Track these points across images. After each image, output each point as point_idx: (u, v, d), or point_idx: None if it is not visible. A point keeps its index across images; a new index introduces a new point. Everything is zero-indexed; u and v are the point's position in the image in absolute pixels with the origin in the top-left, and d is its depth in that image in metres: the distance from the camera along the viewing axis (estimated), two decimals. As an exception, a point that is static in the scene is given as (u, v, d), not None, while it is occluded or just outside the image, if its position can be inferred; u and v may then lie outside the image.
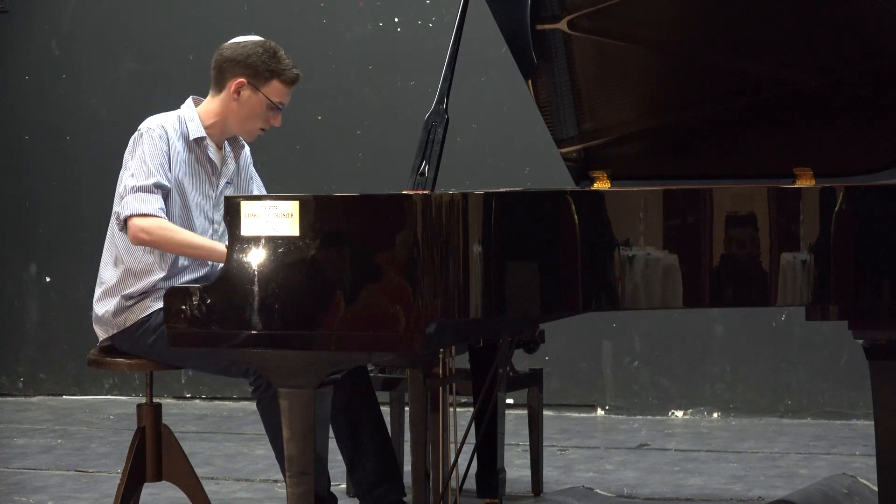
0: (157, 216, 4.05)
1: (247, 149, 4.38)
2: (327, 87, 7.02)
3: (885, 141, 4.20)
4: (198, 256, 4.09)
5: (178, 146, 4.15)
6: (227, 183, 4.28)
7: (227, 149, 4.30)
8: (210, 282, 3.52)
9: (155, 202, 4.06)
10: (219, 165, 4.25)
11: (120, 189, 4.11)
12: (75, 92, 7.36)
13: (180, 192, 4.14)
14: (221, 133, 4.25)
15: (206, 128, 4.21)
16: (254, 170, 4.43)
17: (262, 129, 4.25)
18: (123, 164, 4.16)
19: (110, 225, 4.20)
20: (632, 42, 4.22)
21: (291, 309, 3.43)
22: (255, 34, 4.34)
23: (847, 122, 4.21)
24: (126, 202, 4.07)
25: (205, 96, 4.29)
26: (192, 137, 4.18)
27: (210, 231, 4.22)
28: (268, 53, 4.18)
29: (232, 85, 4.18)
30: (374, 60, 7.00)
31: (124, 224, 4.08)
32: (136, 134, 4.15)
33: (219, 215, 4.22)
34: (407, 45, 6.94)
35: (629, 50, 4.24)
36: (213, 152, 4.23)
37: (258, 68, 4.17)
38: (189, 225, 4.14)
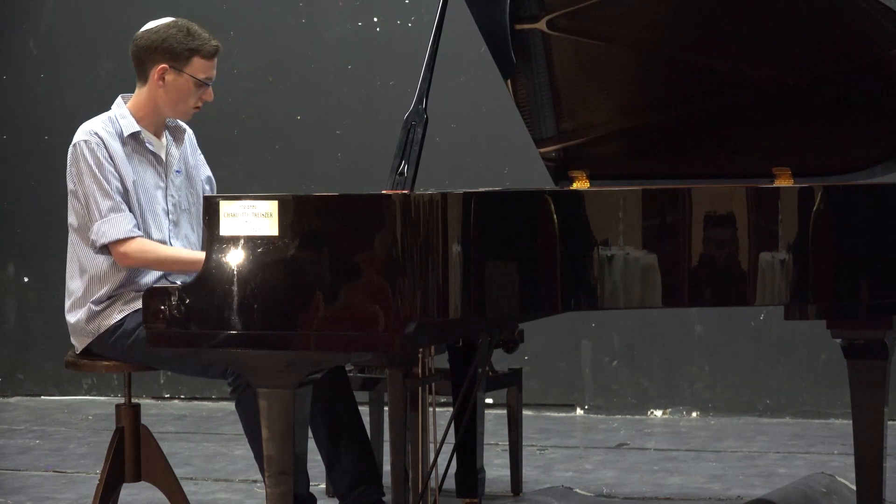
0: (133, 236, 4.05)
1: (189, 132, 4.36)
2: (306, 87, 7.01)
3: (864, 141, 4.21)
4: (183, 269, 4.07)
5: (116, 147, 4.13)
6: (177, 171, 4.26)
7: (168, 137, 4.28)
8: (189, 281, 3.52)
9: (127, 221, 4.06)
10: (163, 156, 4.24)
11: (83, 209, 4.08)
12: (54, 91, 7.33)
13: (132, 191, 4.12)
14: (156, 122, 4.23)
15: (138, 120, 4.19)
16: (201, 155, 4.40)
17: (197, 107, 4.23)
18: (69, 179, 4.12)
19: (69, 237, 4.18)
20: (611, 42, 4.23)
21: (271, 309, 3.42)
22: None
23: (825, 123, 4.22)
24: (99, 230, 4.05)
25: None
26: (126, 134, 4.16)
27: (167, 223, 4.20)
28: (182, 33, 4.16)
29: (154, 73, 4.16)
30: (354, 60, 6.99)
31: (103, 250, 4.07)
32: (71, 148, 4.13)
33: (172, 205, 4.21)
34: (386, 45, 6.93)
35: (608, 50, 4.24)
36: (152, 144, 4.21)
37: (175, 50, 4.15)
38: (145, 222, 4.13)
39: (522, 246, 3.51)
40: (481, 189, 3.72)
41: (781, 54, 4.13)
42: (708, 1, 4.15)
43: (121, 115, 4.19)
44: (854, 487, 4.02)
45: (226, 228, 3.46)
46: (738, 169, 4.30)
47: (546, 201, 3.54)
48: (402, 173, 3.56)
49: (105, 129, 4.14)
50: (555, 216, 3.53)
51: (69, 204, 4.15)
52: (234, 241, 3.45)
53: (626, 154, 4.46)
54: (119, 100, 4.25)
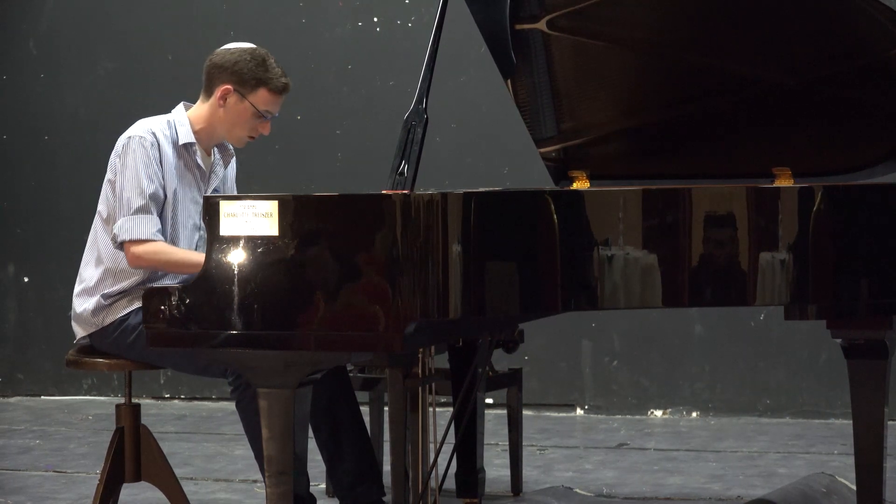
0: (152, 240, 4.05)
1: (233, 160, 4.38)
2: (306, 87, 7.00)
3: (864, 141, 4.22)
4: (193, 272, 4.06)
5: (168, 151, 4.14)
6: (215, 190, 4.27)
7: (217, 155, 4.29)
8: (189, 282, 3.52)
9: (150, 224, 4.06)
10: (207, 171, 4.25)
11: (115, 200, 4.08)
12: (53, 92, 7.33)
13: (170, 199, 4.13)
14: (209, 138, 4.24)
15: (194, 132, 4.20)
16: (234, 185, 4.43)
17: (251, 137, 4.25)
18: (111, 168, 4.13)
19: (94, 224, 4.19)
20: (611, 42, 4.23)
21: (271, 309, 3.42)
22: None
23: (826, 123, 4.22)
24: (123, 225, 4.06)
25: (185, 97, 4.28)
26: (181, 142, 4.17)
27: (196, 237, 4.21)
28: (255, 61, 4.17)
29: (219, 91, 4.17)
30: (354, 60, 6.99)
31: (120, 246, 4.07)
32: (124, 139, 4.13)
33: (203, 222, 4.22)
34: (386, 45, 6.93)
35: (609, 50, 4.24)
36: (201, 158, 4.22)
37: (244, 76, 4.16)
38: (175, 232, 4.14)
39: (522, 246, 3.51)
40: (481, 189, 3.72)
41: (781, 54, 4.13)
42: (708, 1, 4.15)
43: (179, 122, 4.19)
44: (854, 487, 4.02)
45: (226, 228, 3.46)
46: (738, 169, 4.30)
47: (546, 201, 3.54)
48: (402, 173, 3.56)
49: (163, 131, 4.15)
50: (555, 216, 3.53)
51: (103, 191, 4.16)
52: (234, 241, 3.45)
53: (626, 154, 4.46)
54: (180, 106, 4.25)
